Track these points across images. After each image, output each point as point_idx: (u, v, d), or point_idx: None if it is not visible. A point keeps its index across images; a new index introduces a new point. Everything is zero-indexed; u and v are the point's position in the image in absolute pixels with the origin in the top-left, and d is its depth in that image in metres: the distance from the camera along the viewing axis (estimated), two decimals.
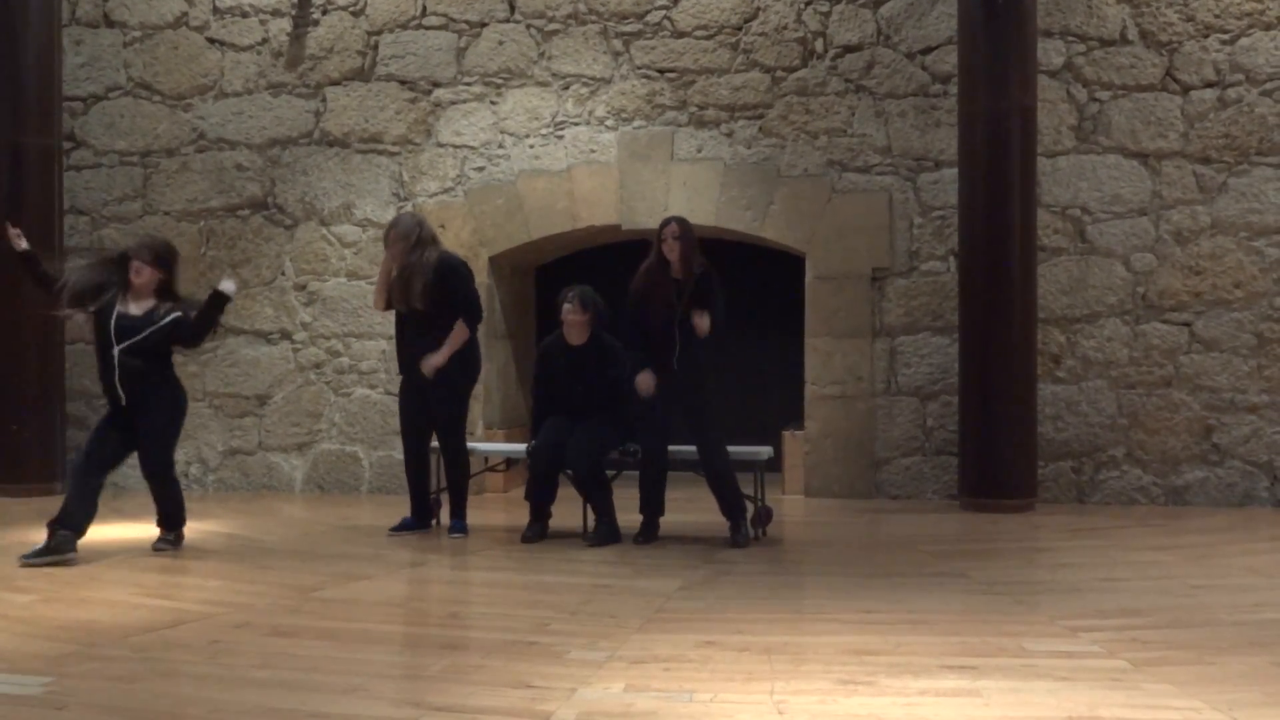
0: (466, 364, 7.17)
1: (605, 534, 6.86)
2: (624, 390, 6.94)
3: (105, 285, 6.52)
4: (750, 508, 6.97)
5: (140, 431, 6.52)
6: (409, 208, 9.45)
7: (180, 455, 9.28)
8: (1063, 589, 5.45)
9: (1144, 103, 8.74)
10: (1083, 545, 6.89)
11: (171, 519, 6.71)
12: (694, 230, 6.95)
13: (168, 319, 6.45)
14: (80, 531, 6.28)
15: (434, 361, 7.00)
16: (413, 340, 7.12)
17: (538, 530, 7.03)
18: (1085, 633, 4.42)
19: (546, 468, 6.99)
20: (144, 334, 6.40)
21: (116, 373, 6.39)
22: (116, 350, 6.37)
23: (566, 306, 7.02)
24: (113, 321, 6.39)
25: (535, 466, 7.05)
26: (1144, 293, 8.72)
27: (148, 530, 7.15)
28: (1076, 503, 8.70)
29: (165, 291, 6.54)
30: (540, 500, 7.07)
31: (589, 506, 7.05)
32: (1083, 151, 8.80)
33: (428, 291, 6.96)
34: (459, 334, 7.04)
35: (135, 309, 6.46)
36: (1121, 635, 4.37)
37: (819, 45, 9.15)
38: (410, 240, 7.01)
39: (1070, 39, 8.81)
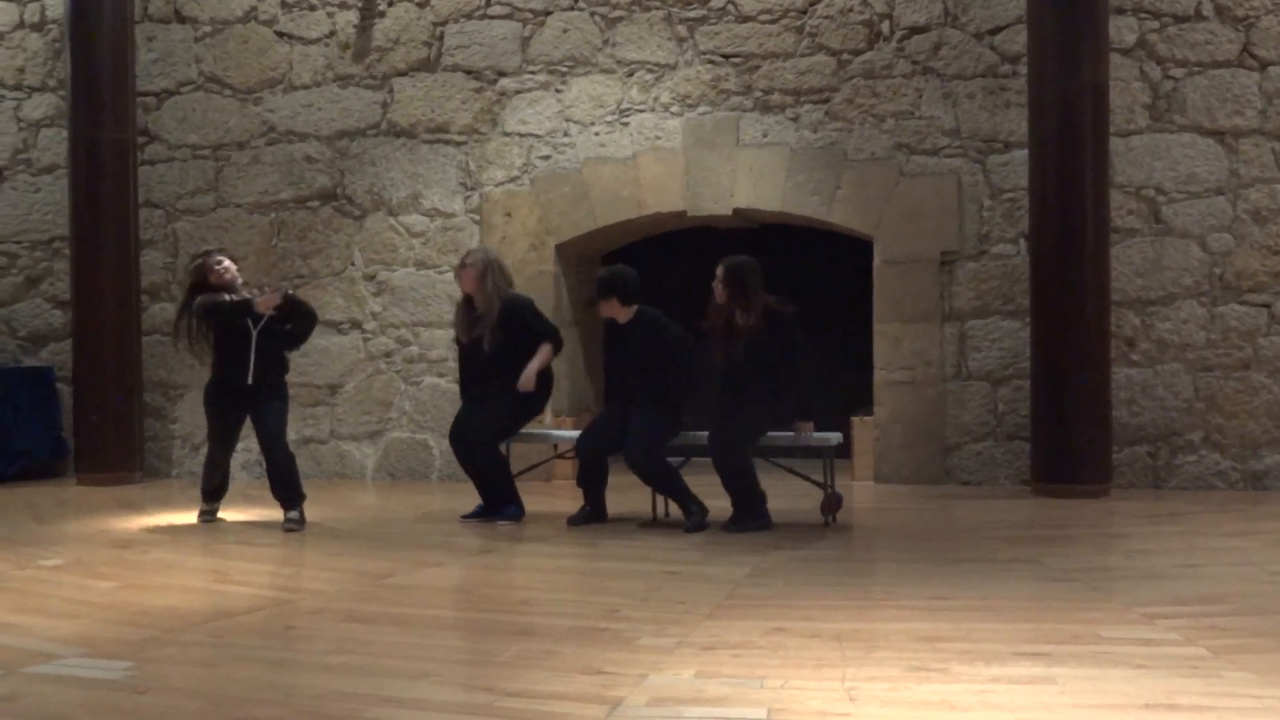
0: (541, 385, 7.24)
1: (698, 519, 6.78)
2: (682, 376, 6.91)
3: (213, 303, 7.14)
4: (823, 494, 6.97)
5: (266, 410, 7.13)
6: (475, 197, 9.52)
7: (254, 444, 9.49)
8: (1139, 575, 5.37)
9: (1220, 79, 8.56)
10: (1159, 531, 6.79)
11: (291, 497, 7.08)
12: (746, 273, 6.77)
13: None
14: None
15: (530, 373, 7.06)
16: (474, 378, 7.29)
17: (585, 514, 7.10)
18: (1162, 620, 4.35)
19: (587, 455, 7.05)
20: (264, 317, 7.07)
21: (253, 357, 7.02)
22: (255, 333, 7.03)
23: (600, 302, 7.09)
24: (236, 311, 7.06)
25: (579, 454, 7.09)
26: (1221, 274, 8.55)
27: (226, 518, 7.31)
28: (1152, 488, 8.56)
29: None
30: (586, 486, 7.12)
31: (665, 499, 7.09)
32: (1157, 130, 8.64)
33: (494, 333, 7.07)
34: (545, 353, 7.15)
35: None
36: (1200, 622, 4.29)
37: (885, 27, 9.06)
38: (479, 270, 7.14)
39: (1143, 15, 8.64)
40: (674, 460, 7.19)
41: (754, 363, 6.66)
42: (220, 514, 7.39)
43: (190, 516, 7.37)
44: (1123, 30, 8.60)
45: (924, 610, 4.60)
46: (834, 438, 7.03)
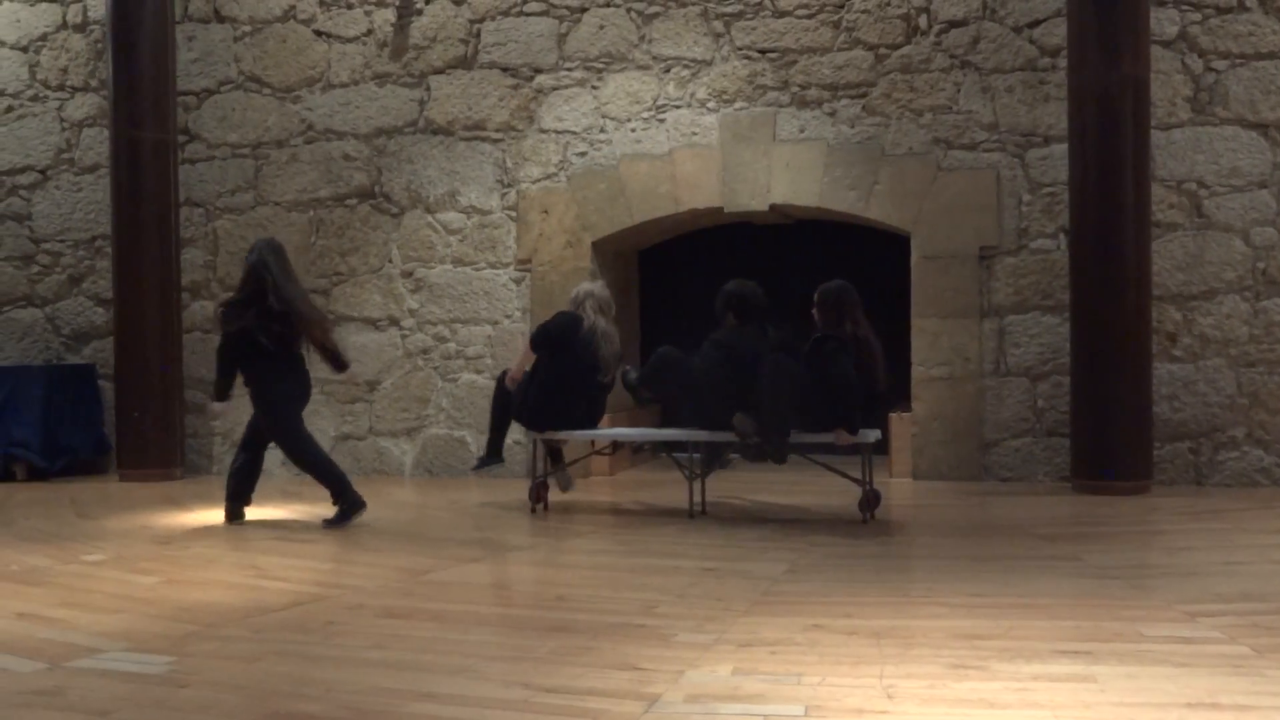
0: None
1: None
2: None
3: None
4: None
5: None
6: (512, 194, 9.56)
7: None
8: (1180, 573, 5.32)
9: (1263, 72, 8.45)
10: (1201, 528, 6.72)
11: (333, 494, 7.11)
12: (837, 297, 6.90)
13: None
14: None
15: (513, 373, 7.65)
16: None
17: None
18: (1205, 618, 4.31)
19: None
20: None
21: None
22: None
23: None
24: None
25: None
26: (1264, 268, 8.45)
27: (266, 515, 7.38)
28: (1194, 485, 8.47)
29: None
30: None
31: (704, 494, 7.12)
32: (1199, 123, 8.55)
33: None
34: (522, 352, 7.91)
35: None
36: (1243, 620, 4.25)
37: (923, 21, 9.01)
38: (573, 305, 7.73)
39: (1184, 7, 8.55)
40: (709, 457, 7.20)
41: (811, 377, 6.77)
42: (249, 516, 7.34)
43: None
44: (1164, 22, 8.52)
45: (963, 607, 4.58)
46: (872, 434, 7.01)
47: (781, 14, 9.21)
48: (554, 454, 7.87)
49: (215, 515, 7.46)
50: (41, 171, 10.54)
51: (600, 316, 7.55)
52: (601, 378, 7.54)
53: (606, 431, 7.81)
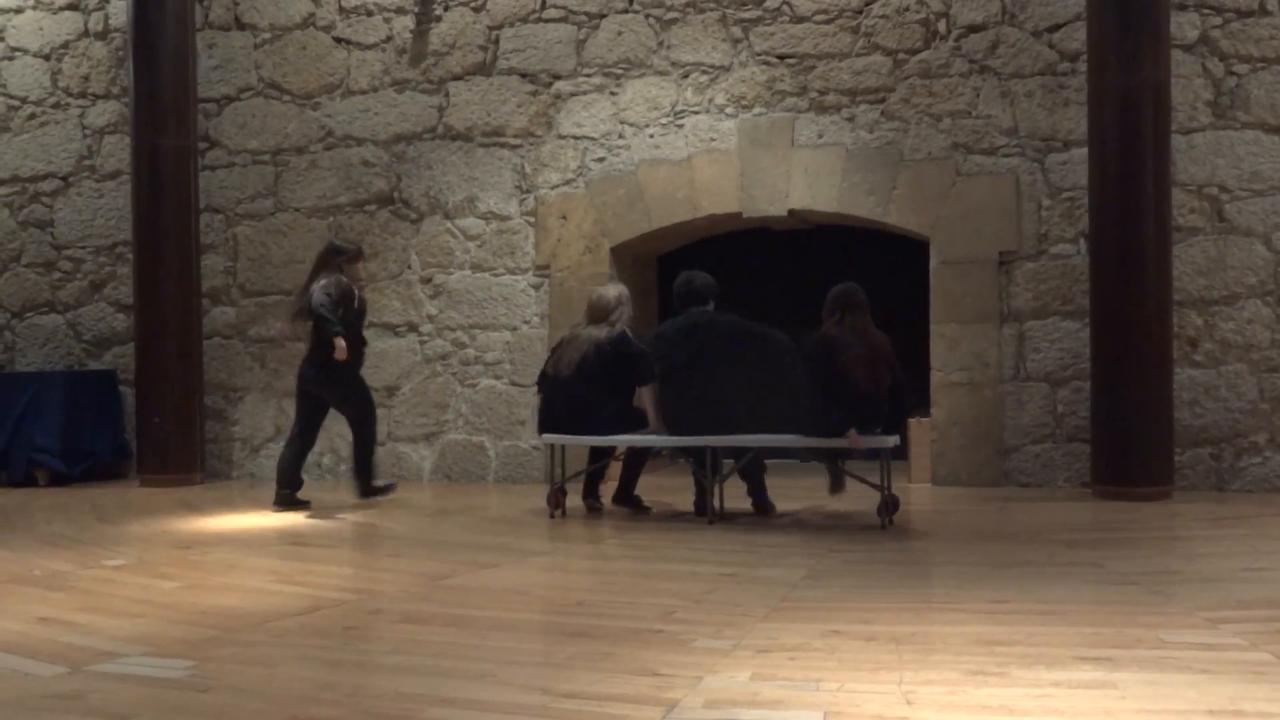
0: None
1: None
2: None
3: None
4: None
5: None
6: (530, 200, 9.58)
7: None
8: (1202, 579, 5.29)
9: None
10: (1223, 534, 6.68)
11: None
12: (835, 299, 6.95)
13: None
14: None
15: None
16: None
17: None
18: (1226, 624, 4.28)
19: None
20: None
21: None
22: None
23: None
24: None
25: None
26: None
27: (285, 518, 7.40)
28: (1216, 491, 8.43)
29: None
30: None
31: (720, 499, 7.11)
32: (1220, 127, 8.51)
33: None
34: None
35: None
36: (1265, 627, 4.21)
37: (942, 26, 8.99)
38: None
39: (1205, 11, 8.51)
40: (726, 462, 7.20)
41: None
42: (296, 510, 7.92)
43: (249, 518, 7.45)
44: (1184, 26, 8.48)
45: (983, 613, 4.56)
46: (891, 440, 6.98)
47: (800, 19, 9.21)
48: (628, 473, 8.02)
49: (235, 519, 7.49)
50: (63, 178, 10.61)
51: (590, 325, 7.56)
52: (548, 371, 7.61)
53: (616, 438, 7.79)
